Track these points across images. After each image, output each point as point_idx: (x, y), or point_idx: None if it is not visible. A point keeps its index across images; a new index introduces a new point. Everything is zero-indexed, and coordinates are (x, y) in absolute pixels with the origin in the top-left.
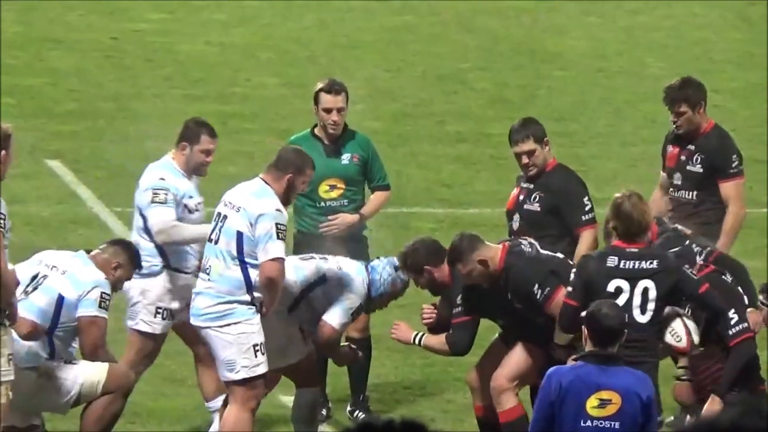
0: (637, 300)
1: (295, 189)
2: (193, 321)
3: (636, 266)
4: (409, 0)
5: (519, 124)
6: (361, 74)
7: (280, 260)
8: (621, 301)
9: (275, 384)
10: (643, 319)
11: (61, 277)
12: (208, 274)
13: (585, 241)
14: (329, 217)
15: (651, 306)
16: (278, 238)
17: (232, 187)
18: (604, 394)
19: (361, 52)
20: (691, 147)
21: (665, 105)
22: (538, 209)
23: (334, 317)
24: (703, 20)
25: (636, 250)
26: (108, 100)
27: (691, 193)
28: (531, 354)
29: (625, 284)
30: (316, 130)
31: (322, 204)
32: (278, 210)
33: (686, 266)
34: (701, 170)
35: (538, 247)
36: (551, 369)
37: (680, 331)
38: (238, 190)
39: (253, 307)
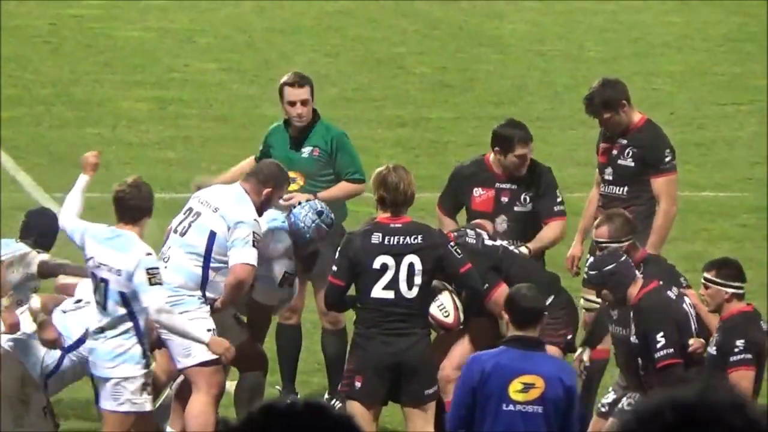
0: (403, 275)
1: (271, 202)
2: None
3: (400, 242)
4: None
5: (521, 127)
6: (300, 59)
7: (252, 266)
8: (388, 277)
9: (227, 374)
10: (410, 293)
11: None
12: (166, 262)
13: (553, 231)
14: (284, 197)
15: (417, 280)
16: (253, 245)
17: (170, 170)
18: (528, 378)
19: (299, 36)
20: (623, 141)
21: (589, 116)
22: (531, 209)
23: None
24: (642, 4)
25: (400, 225)
26: (47, 86)
27: (621, 188)
28: (476, 344)
29: (390, 260)
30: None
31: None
32: (256, 220)
33: (451, 245)
34: (632, 164)
35: (484, 238)
36: (472, 355)
37: (448, 306)
38: (216, 192)
39: (203, 299)
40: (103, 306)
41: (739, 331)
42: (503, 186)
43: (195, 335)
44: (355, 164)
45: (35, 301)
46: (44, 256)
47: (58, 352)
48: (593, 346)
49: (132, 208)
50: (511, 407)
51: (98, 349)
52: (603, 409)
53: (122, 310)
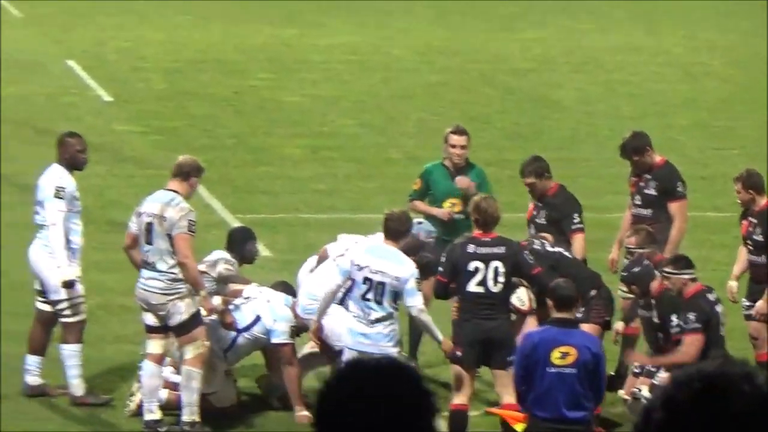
0: (490, 275)
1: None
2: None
3: (488, 251)
4: (447, 62)
5: (525, 163)
6: (414, 116)
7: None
8: (479, 276)
9: None
10: (495, 289)
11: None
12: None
13: (577, 242)
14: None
15: (501, 279)
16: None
17: (320, 197)
18: (564, 349)
19: (414, 101)
20: (648, 176)
21: (622, 158)
22: (544, 222)
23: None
24: (659, 77)
25: (489, 239)
26: (231, 137)
27: (647, 210)
28: (539, 324)
29: (481, 264)
30: (445, 161)
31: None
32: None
33: (526, 252)
34: (655, 193)
35: (546, 245)
36: (526, 332)
37: (524, 297)
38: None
39: None
40: (378, 302)
41: (693, 305)
42: (537, 204)
43: (436, 334)
44: (491, 192)
45: (217, 299)
46: (227, 267)
47: (233, 333)
48: (627, 324)
49: (393, 229)
50: (553, 369)
51: (378, 333)
52: (636, 371)
53: (394, 305)
